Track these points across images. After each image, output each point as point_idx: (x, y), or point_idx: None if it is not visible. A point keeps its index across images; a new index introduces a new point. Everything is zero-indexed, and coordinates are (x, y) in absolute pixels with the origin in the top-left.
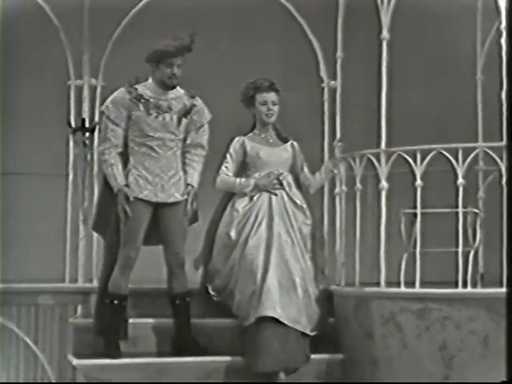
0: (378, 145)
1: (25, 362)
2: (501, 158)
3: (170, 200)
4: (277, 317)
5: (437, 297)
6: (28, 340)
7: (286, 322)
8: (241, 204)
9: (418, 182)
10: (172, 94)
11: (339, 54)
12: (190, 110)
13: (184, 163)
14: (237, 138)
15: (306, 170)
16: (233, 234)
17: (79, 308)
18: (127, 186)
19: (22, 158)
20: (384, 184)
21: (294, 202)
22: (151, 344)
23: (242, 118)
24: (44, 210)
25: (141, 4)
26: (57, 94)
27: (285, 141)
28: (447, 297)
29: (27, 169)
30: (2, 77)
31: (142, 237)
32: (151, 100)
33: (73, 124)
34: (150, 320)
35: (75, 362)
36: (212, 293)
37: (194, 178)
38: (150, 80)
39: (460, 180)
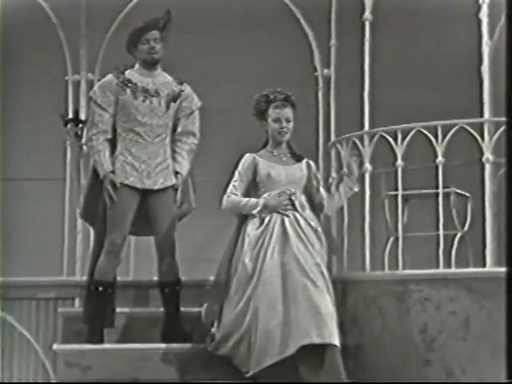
0: (362, 127)
1: (21, 355)
2: (481, 136)
3: (157, 187)
4: (326, 341)
5: (417, 278)
6: (27, 333)
7: (336, 342)
8: (252, 228)
9: (399, 162)
10: (160, 78)
11: (333, 41)
12: (179, 96)
13: (174, 151)
14: (247, 155)
15: (322, 190)
16: (247, 261)
17: (77, 301)
18: (113, 172)
19: (20, 163)
20: (367, 166)
21: (309, 224)
22: (140, 333)
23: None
24: (44, 213)
25: None
26: (55, 93)
27: (299, 159)
28: (428, 277)
29: (25, 174)
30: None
31: (128, 224)
32: (138, 84)
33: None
34: (139, 309)
35: (55, 346)
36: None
37: (183, 166)
38: (137, 65)
39: (439, 158)
